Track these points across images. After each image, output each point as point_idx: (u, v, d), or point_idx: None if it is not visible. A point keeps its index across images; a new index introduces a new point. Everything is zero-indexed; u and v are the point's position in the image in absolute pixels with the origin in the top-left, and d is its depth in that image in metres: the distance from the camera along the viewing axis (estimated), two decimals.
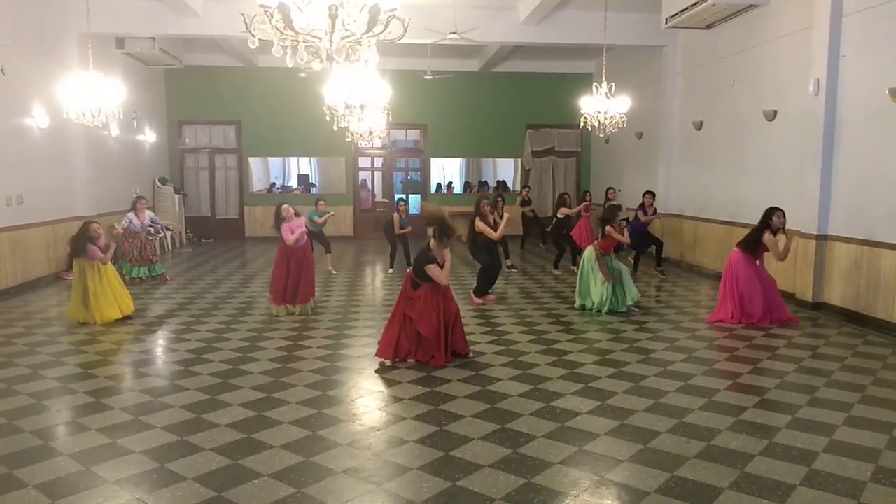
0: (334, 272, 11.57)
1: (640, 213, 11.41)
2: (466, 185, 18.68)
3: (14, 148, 9.97)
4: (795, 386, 5.61)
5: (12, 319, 8.12)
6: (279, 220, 8.33)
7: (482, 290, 9.17)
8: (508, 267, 11.54)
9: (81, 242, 7.81)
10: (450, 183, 18.93)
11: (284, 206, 8.47)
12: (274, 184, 18.41)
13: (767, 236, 7.70)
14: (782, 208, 7.85)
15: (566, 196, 12.47)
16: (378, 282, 11.09)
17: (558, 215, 12.05)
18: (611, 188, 13.35)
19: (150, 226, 10.92)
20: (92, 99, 8.37)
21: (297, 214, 8.51)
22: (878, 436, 4.53)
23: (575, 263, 11.41)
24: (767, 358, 6.44)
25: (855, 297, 8.04)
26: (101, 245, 7.95)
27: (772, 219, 7.76)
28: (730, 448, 4.33)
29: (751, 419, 4.83)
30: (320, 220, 11.36)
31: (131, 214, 10.67)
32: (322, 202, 11.71)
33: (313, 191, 17.89)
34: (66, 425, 4.80)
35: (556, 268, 11.71)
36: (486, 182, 18.73)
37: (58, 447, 4.35)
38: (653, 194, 11.72)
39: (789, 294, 8.93)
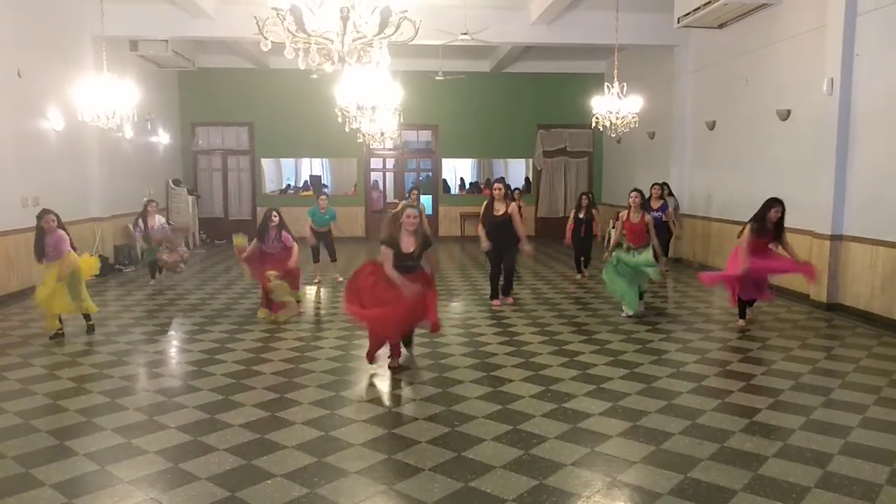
0: (341, 279, 10.58)
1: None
2: (473, 185, 18.71)
3: (31, 150, 10.08)
4: (810, 387, 5.57)
5: (29, 320, 8.19)
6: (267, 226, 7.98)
7: (492, 292, 9.10)
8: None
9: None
10: (462, 181, 18.88)
11: (274, 212, 8.12)
12: (289, 185, 18.51)
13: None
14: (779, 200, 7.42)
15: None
16: None
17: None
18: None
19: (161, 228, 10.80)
20: (106, 101, 8.46)
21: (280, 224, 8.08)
22: (895, 438, 4.49)
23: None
24: (781, 359, 6.39)
25: (870, 297, 7.97)
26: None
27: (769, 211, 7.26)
28: (743, 450, 4.30)
29: (764, 421, 4.80)
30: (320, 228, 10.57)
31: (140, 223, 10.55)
32: (323, 197, 10.89)
33: (325, 191, 17.94)
34: (81, 425, 4.84)
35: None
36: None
37: (73, 447, 4.39)
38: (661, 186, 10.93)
39: (803, 295, 8.88)
